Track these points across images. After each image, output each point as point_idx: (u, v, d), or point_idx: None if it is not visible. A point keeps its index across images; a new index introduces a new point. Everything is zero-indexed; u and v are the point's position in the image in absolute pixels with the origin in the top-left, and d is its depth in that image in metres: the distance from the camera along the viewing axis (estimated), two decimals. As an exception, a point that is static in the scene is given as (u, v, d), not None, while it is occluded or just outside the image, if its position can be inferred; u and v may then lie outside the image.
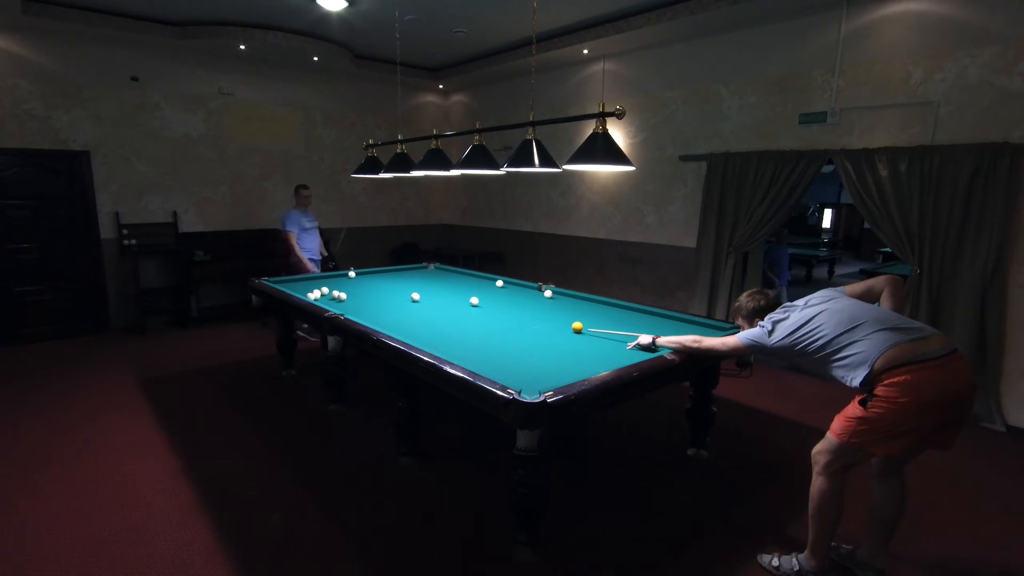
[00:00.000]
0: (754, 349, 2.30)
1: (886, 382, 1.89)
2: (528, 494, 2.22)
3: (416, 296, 3.95)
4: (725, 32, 4.92)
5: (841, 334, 2.02)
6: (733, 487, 2.94)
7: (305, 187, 5.63)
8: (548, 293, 4.17)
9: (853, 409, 2.00)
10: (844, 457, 2.05)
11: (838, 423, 2.05)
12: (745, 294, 2.49)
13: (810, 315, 2.12)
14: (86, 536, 2.45)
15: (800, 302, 2.25)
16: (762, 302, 2.40)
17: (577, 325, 3.13)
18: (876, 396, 1.91)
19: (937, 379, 1.86)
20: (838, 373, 2.06)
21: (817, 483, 2.12)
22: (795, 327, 2.13)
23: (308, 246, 5.54)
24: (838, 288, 2.27)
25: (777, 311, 2.27)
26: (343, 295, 3.93)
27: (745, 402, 4.11)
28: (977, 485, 3.00)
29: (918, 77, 3.92)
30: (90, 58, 5.50)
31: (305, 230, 5.53)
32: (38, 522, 2.55)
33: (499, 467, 3.03)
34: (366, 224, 7.75)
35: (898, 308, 2.18)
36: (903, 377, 1.86)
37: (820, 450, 2.12)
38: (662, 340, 2.66)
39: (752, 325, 2.38)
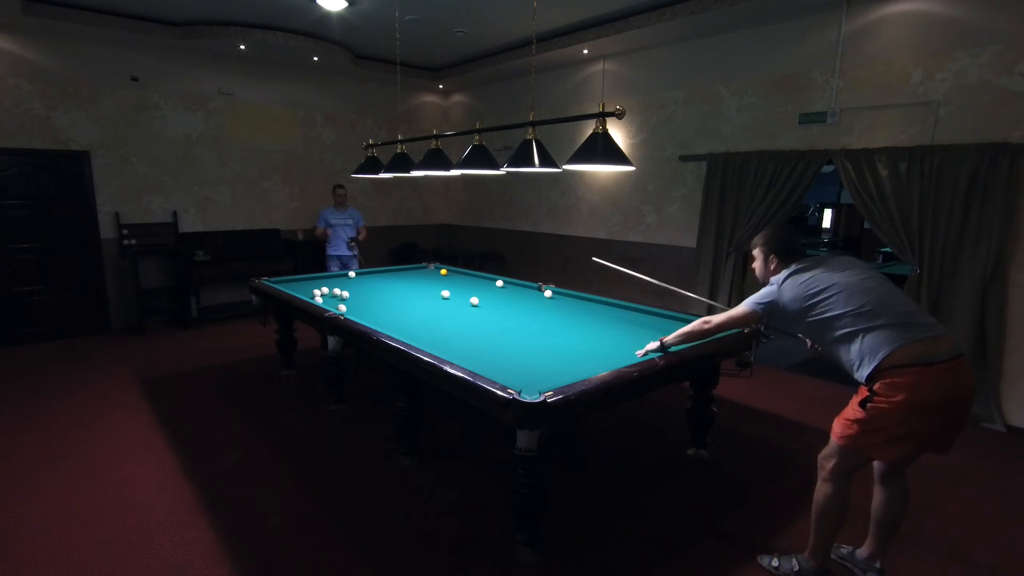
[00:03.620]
0: (766, 310, 2.15)
1: (887, 380, 1.86)
2: (528, 494, 2.22)
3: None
4: (725, 32, 4.92)
5: (856, 316, 1.93)
6: (733, 487, 2.94)
7: (339, 186, 6.15)
8: (548, 293, 4.17)
9: (852, 411, 1.98)
10: (847, 461, 2.02)
11: (838, 426, 2.02)
12: (772, 225, 2.37)
13: (827, 283, 2.01)
14: (86, 536, 2.45)
15: (820, 260, 2.10)
16: (786, 238, 2.22)
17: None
18: (876, 394, 1.89)
19: (939, 383, 1.83)
20: (843, 357, 2.01)
21: (822, 488, 2.10)
22: (809, 292, 2.02)
23: (334, 241, 6.03)
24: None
25: (792, 266, 2.14)
26: (346, 294, 3.94)
27: (745, 402, 4.11)
28: (977, 485, 3.00)
29: (918, 77, 3.92)
30: (90, 58, 5.50)
31: (331, 226, 6.05)
32: (38, 522, 2.55)
33: (499, 467, 3.03)
34: (366, 224, 7.75)
35: None
36: (905, 378, 1.84)
37: (825, 455, 2.10)
38: (670, 339, 2.52)
39: (766, 258, 2.25)
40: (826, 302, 1.99)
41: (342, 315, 3.25)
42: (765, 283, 2.27)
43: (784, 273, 2.14)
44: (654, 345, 2.56)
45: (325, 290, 4.03)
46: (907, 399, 1.83)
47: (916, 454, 1.98)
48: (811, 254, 2.22)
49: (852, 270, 2.05)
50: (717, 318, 2.34)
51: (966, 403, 1.90)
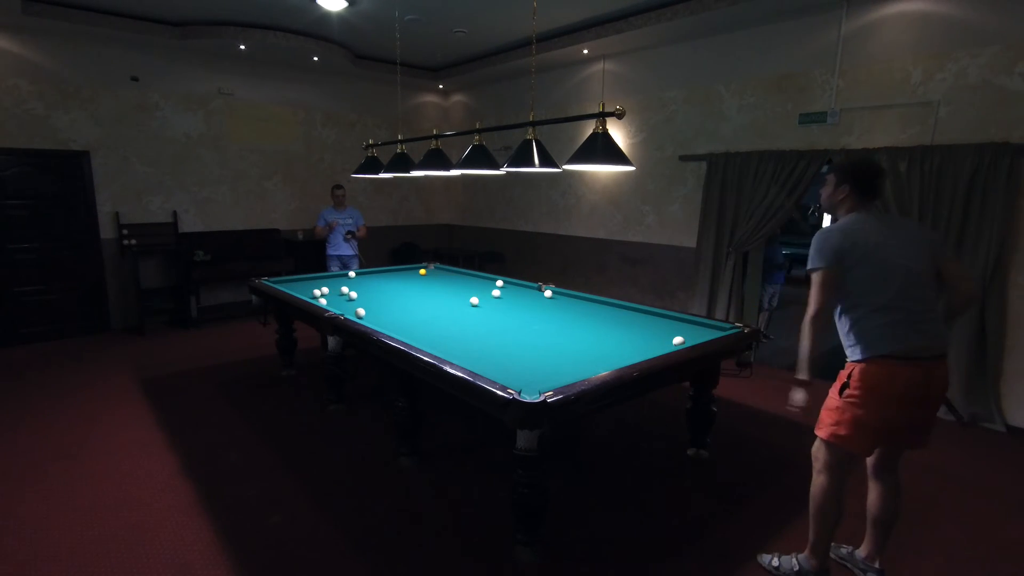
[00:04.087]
0: (837, 260, 1.96)
1: (862, 366, 1.93)
2: (528, 494, 2.22)
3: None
4: (725, 32, 4.92)
5: (869, 301, 1.93)
6: (733, 487, 2.94)
7: (337, 187, 6.12)
8: (548, 293, 4.17)
9: (831, 399, 2.05)
10: (835, 453, 2.06)
11: (820, 417, 2.09)
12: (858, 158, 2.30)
13: (870, 254, 1.94)
14: (86, 536, 2.45)
15: (884, 225, 2.01)
16: (869, 174, 2.05)
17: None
18: (852, 377, 1.96)
19: (909, 378, 1.89)
20: (843, 328, 2.03)
21: (817, 482, 2.12)
22: (853, 250, 1.94)
23: (334, 241, 6.02)
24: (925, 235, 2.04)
25: (861, 212, 2.04)
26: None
27: (745, 402, 4.10)
28: (977, 485, 3.00)
29: (918, 77, 3.92)
30: (90, 58, 5.49)
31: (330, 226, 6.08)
32: (38, 522, 2.55)
33: (499, 467, 3.03)
34: (366, 223, 7.76)
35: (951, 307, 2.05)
36: (880, 368, 1.90)
37: (816, 447, 2.14)
38: (805, 372, 2.13)
39: (838, 185, 2.08)
40: (857, 267, 1.94)
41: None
42: (827, 210, 2.18)
43: (848, 219, 2.03)
44: (800, 395, 2.14)
45: (325, 290, 4.03)
46: (877, 388, 1.90)
47: (892, 446, 2.05)
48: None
49: (900, 249, 1.95)
50: (813, 307, 2.02)
51: (935, 399, 1.97)
